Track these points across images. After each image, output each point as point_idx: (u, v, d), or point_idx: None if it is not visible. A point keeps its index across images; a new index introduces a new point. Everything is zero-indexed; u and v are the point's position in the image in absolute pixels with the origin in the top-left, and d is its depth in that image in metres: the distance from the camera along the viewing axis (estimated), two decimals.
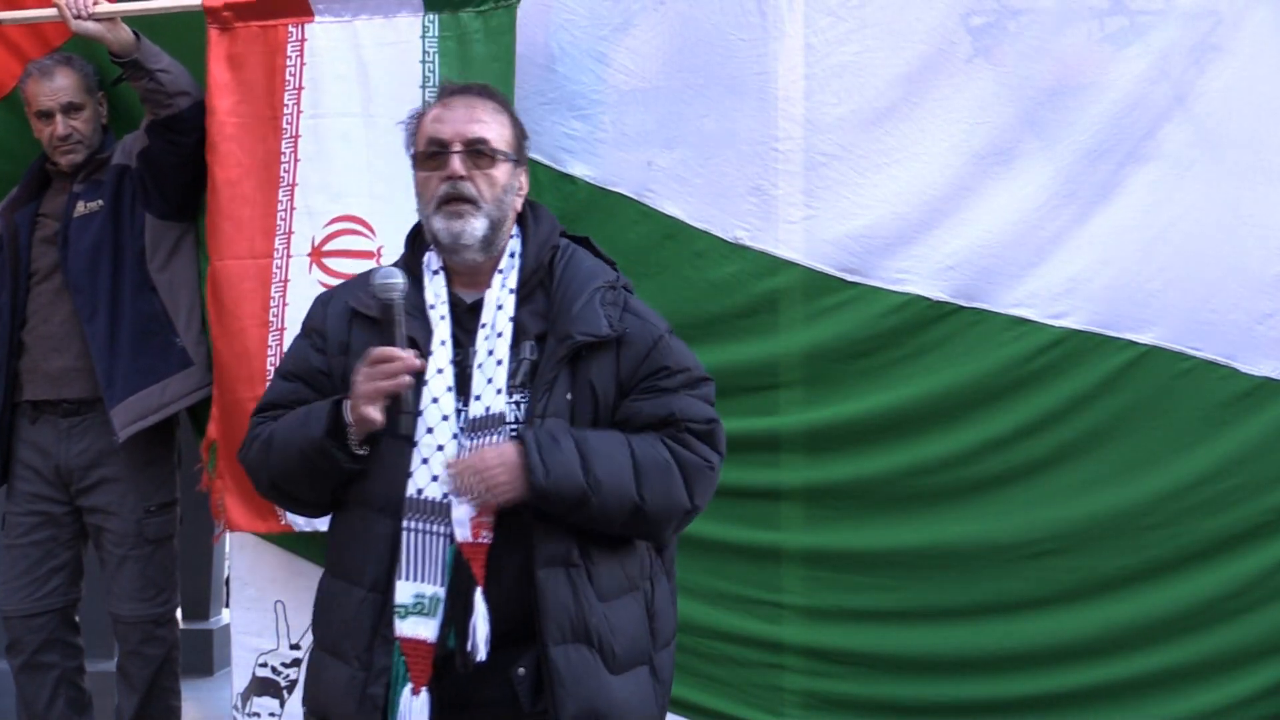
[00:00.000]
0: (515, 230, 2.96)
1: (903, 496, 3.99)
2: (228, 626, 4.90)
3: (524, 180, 2.98)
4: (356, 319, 2.92)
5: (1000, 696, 3.96)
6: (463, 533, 2.75)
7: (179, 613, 4.77)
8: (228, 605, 5.37)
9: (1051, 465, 3.96)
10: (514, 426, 2.81)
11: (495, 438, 2.78)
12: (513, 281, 2.89)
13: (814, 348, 4.01)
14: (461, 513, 2.76)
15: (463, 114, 2.91)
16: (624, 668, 2.84)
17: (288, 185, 4.08)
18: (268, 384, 3.99)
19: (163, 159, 4.22)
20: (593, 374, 2.84)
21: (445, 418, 2.80)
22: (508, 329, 2.84)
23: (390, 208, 3.92)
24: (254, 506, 4.12)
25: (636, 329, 2.88)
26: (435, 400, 2.80)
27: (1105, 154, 3.96)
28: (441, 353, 2.83)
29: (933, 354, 3.98)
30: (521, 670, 2.78)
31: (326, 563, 2.97)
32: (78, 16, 4.05)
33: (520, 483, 2.73)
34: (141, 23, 4.19)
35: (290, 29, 4.07)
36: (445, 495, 2.76)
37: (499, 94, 3.02)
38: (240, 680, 4.31)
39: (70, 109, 4.32)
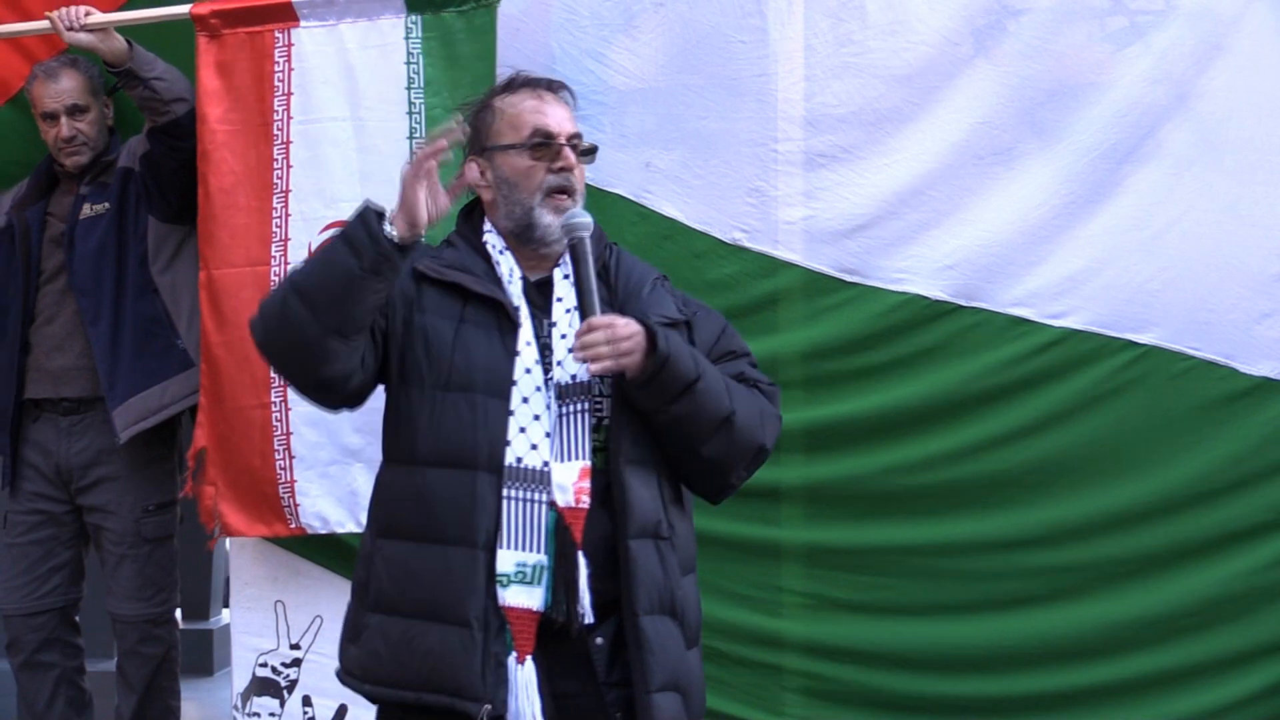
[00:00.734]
0: None
1: (902, 495, 3.98)
2: (228, 626, 4.90)
3: None
4: (425, 281, 2.93)
5: (999, 693, 3.96)
6: (565, 498, 2.78)
7: (179, 613, 4.77)
8: (228, 605, 5.38)
9: (1050, 465, 3.96)
10: (598, 399, 2.86)
11: (582, 403, 2.83)
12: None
13: (813, 347, 4.01)
14: (564, 478, 2.79)
15: (559, 108, 2.98)
16: (692, 643, 2.91)
17: (281, 191, 4.06)
18: (273, 389, 4.03)
19: (163, 164, 4.23)
20: None
21: (539, 388, 2.83)
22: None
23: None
24: (254, 510, 4.12)
25: (703, 315, 3.04)
26: (528, 371, 2.84)
27: (1105, 154, 3.96)
28: (528, 325, 2.87)
29: (932, 354, 3.98)
30: (600, 640, 2.81)
31: (391, 527, 2.88)
32: (70, 29, 4.06)
33: (644, 351, 2.78)
34: (136, 30, 4.19)
35: (277, 35, 4.06)
36: (579, 368, 2.81)
37: (569, 92, 3.06)
38: (240, 680, 4.31)
39: (75, 111, 4.33)
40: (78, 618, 4.56)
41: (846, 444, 4.02)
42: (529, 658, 2.78)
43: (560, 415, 2.83)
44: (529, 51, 4.04)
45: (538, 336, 2.87)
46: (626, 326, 2.79)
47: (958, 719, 3.97)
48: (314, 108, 4.05)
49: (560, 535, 2.79)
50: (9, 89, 4.45)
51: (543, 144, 2.93)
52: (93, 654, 4.75)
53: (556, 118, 2.96)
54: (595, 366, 2.77)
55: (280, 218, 4.06)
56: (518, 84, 3.03)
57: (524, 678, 2.77)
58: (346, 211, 3.94)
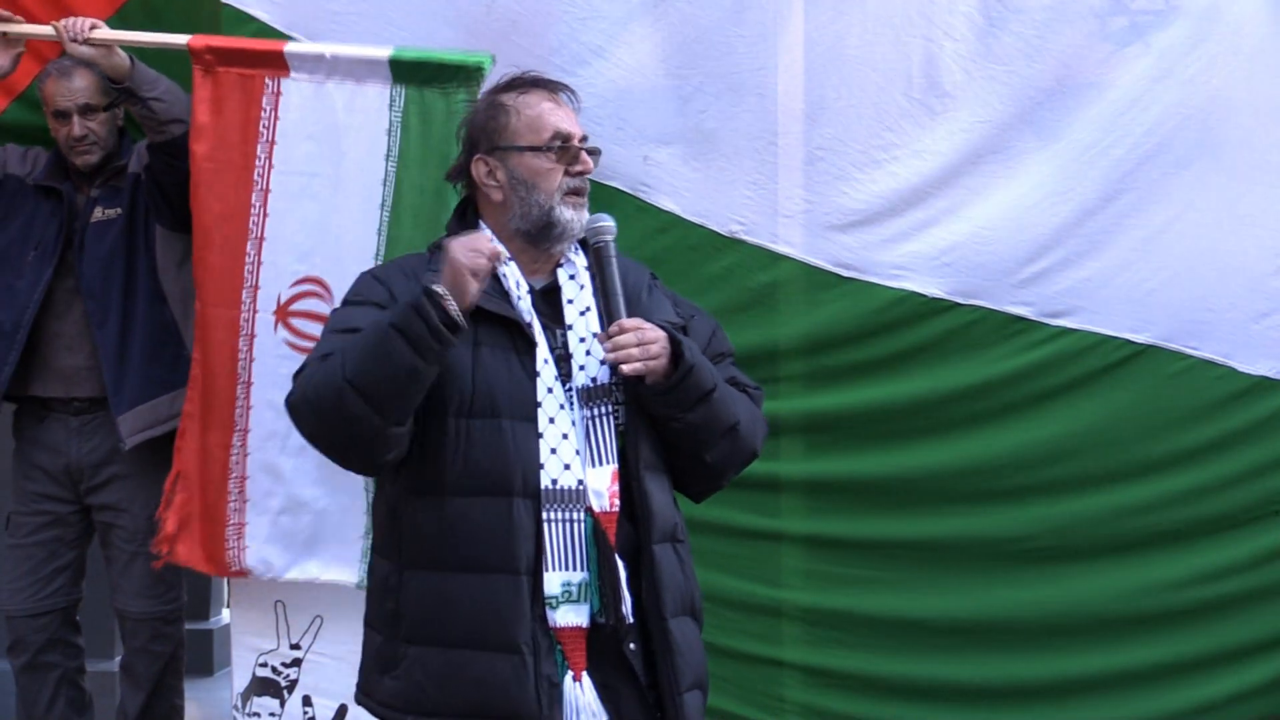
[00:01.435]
0: None
1: (900, 489, 4.00)
2: (228, 626, 4.90)
3: None
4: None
5: (998, 682, 3.98)
6: (601, 503, 2.79)
7: None
8: (228, 605, 5.38)
9: (1047, 463, 3.97)
10: (616, 403, 2.86)
11: (606, 405, 2.84)
12: (582, 262, 2.96)
13: (812, 341, 4.02)
14: (598, 483, 2.79)
15: (569, 110, 2.99)
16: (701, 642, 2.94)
17: (255, 239, 4.02)
18: (236, 431, 4.02)
19: (163, 178, 4.23)
20: None
21: (562, 406, 2.82)
22: (594, 304, 2.90)
23: (347, 270, 3.82)
24: (203, 543, 4.11)
25: (698, 316, 3.06)
26: (550, 390, 2.82)
27: (1104, 153, 3.97)
28: (543, 342, 2.85)
29: (929, 350, 3.99)
30: (633, 645, 2.81)
31: (422, 558, 2.83)
32: (74, 40, 4.06)
33: (668, 356, 2.80)
34: (140, 49, 4.20)
35: (267, 81, 4.02)
36: (602, 363, 2.82)
37: (571, 92, 3.05)
38: (240, 680, 4.29)
39: (87, 110, 4.31)
40: (79, 618, 4.57)
41: (846, 437, 4.03)
42: (584, 674, 2.78)
43: (587, 419, 2.83)
44: (527, 45, 4.03)
45: (552, 350, 2.86)
46: (653, 330, 2.80)
47: (955, 706, 3.98)
48: (295, 160, 4.02)
49: (600, 541, 2.79)
50: (15, 88, 4.46)
51: (563, 147, 2.93)
52: (92, 654, 4.75)
53: (571, 121, 2.97)
54: (626, 368, 2.78)
55: (253, 264, 4.02)
56: (527, 83, 3.01)
57: (583, 696, 2.78)
58: (317, 268, 3.99)
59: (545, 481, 2.78)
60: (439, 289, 2.68)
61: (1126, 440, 3.96)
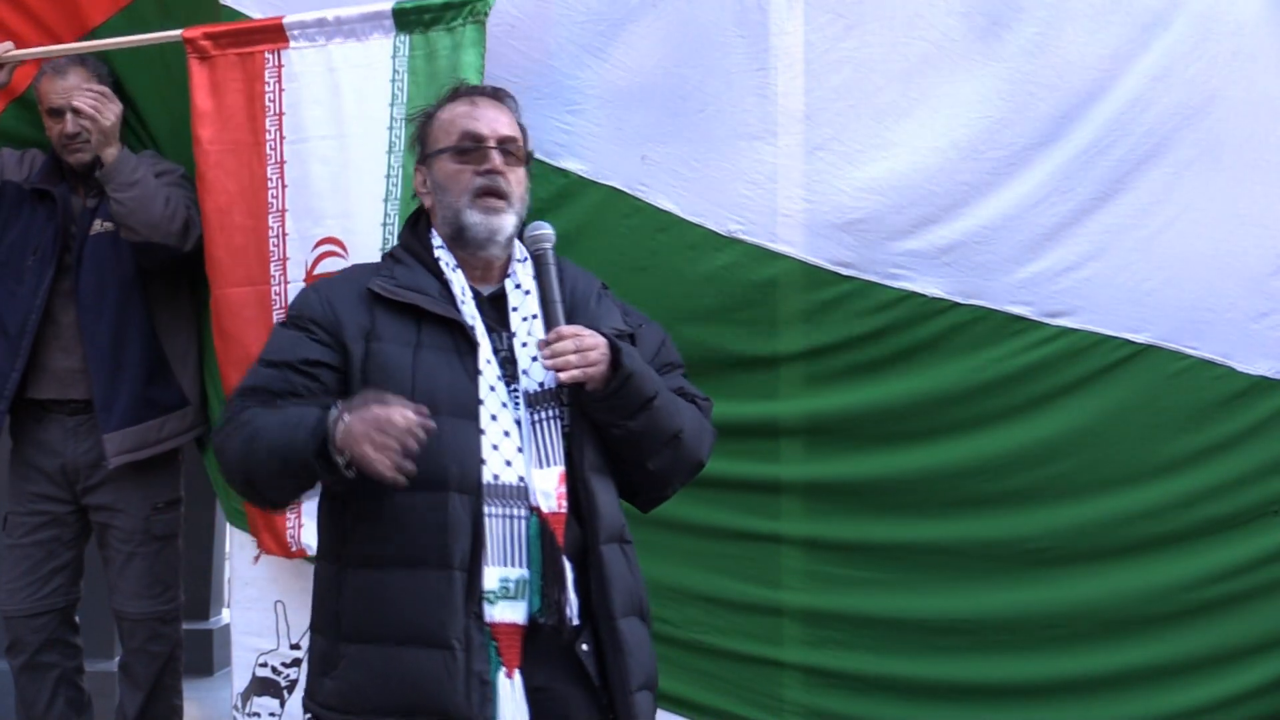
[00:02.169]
0: None
1: (901, 489, 3.99)
2: (228, 626, 4.90)
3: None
4: (379, 304, 2.90)
5: (997, 681, 3.97)
6: (549, 503, 2.80)
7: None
8: (228, 605, 5.38)
9: (1046, 463, 3.96)
10: (562, 405, 2.88)
11: (552, 409, 2.85)
12: (528, 272, 2.96)
13: (811, 341, 4.01)
14: (545, 484, 2.80)
15: (492, 113, 2.99)
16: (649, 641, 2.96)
17: (278, 211, 4.06)
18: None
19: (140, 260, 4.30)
20: None
21: (504, 404, 2.84)
22: (540, 313, 2.91)
23: (358, 224, 4.00)
24: (268, 529, 4.14)
25: (646, 326, 3.06)
26: (492, 389, 2.84)
27: (1103, 152, 3.96)
28: (486, 343, 2.87)
29: (928, 350, 3.98)
30: (585, 646, 2.82)
31: (360, 556, 2.85)
32: None
33: (608, 362, 2.81)
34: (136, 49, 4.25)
35: (267, 56, 4.06)
36: (546, 374, 2.84)
37: (512, 99, 3.08)
38: (240, 680, 4.31)
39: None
40: (77, 618, 4.57)
41: (846, 437, 4.02)
42: (516, 671, 2.79)
43: (533, 423, 2.85)
44: (525, 48, 4.04)
45: (496, 351, 2.88)
46: (593, 337, 2.82)
47: (956, 706, 3.98)
48: (304, 127, 4.05)
49: (545, 542, 2.80)
50: (14, 90, 4.46)
51: (470, 147, 2.95)
52: (91, 654, 4.75)
53: (488, 121, 2.97)
54: (564, 375, 2.80)
55: (278, 237, 4.06)
56: (460, 93, 3.07)
57: (514, 691, 2.78)
58: (333, 229, 4.02)
59: (487, 477, 2.80)
60: (338, 435, 2.67)
61: (1126, 440, 3.95)
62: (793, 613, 4.05)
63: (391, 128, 3.99)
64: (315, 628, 2.93)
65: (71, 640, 4.52)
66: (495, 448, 2.82)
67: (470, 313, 2.88)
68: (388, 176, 3.99)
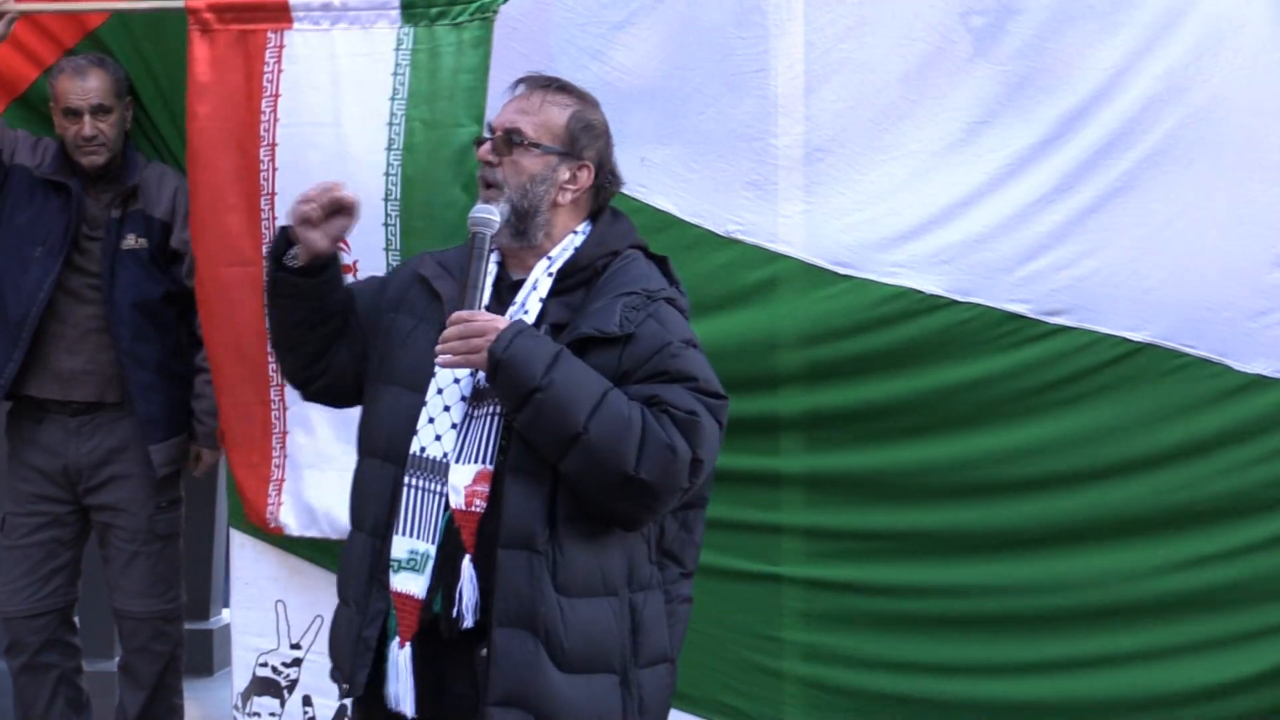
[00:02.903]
0: (586, 228, 3.00)
1: (899, 486, 4.01)
2: (228, 626, 4.90)
3: (581, 175, 2.98)
4: (419, 282, 3.00)
5: (995, 661, 4.01)
6: (456, 499, 2.79)
7: None
8: (228, 605, 5.38)
9: (1043, 460, 3.97)
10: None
11: (493, 406, 2.83)
12: (556, 268, 2.94)
13: (809, 339, 4.02)
14: (458, 480, 2.79)
15: (517, 104, 2.99)
16: (577, 668, 2.80)
17: (268, 194, 4.03)
18: (273, 387, 4.07)
19: None
20: (597, 366, 2.81)
21: (457, 380, 2.85)
22: (535, 309, 2.89)
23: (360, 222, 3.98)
24: (250, 505, 4.15)
25: (648, 332, 2.85)
26: None
27: (1102, 151, 3.97)
28: None
29: (926, 347, 3.99)
30: (484, 651, 2.79)
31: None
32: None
33: (486, 351, 2.77)
34: (132, 17, 4.25)
35: (269, 35, 4.02)
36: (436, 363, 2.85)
37: (570, 87, 3.06)
38: (240, 680, 4.31)
39: (99, 111, 4.30)
40: (76, 618, 4.57)
41: (845, 434, 4.04)
42: (409, 644, 2.81)
43: (468, 417, 2.84)
44: (526, 50, 4.04)
45: None
46: (487, 323, 2.77)
47: (951, 682, 4.01)
48: (299, 111, 4.01)
49: (449, 534, 2.81)
50: (15, 89, 4.45)
51: (483, 139, 3.00)
52: (92, 654, 4.76)
53: (504, 114, 2.99)
54: (439, 360, 2.80)
55: (269, 220, 4.03)
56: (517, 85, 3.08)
57: (401, 661, 2.81)
58: None
59: (414, 448, 2.84)
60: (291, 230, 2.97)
61: (1122, 437, 3.96)
62: (792, 597, 4.07)
63: (391, 123, 3.95)
64: None
65: (70, 640, 4.53)
66: (431, 420, 2.84)
67: (479, 298, 2.86)
68: (387, 175, 3.95)
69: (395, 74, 3.98)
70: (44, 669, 4.47)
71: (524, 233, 2.93)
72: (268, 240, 3.99)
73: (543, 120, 2.96)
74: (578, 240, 2.97)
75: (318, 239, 2.95)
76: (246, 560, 4.32)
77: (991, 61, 4.00)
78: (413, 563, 2.81)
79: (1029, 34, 3.99)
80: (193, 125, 4.07)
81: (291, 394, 3.92)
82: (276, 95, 4.02)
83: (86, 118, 4.29)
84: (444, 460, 2.81)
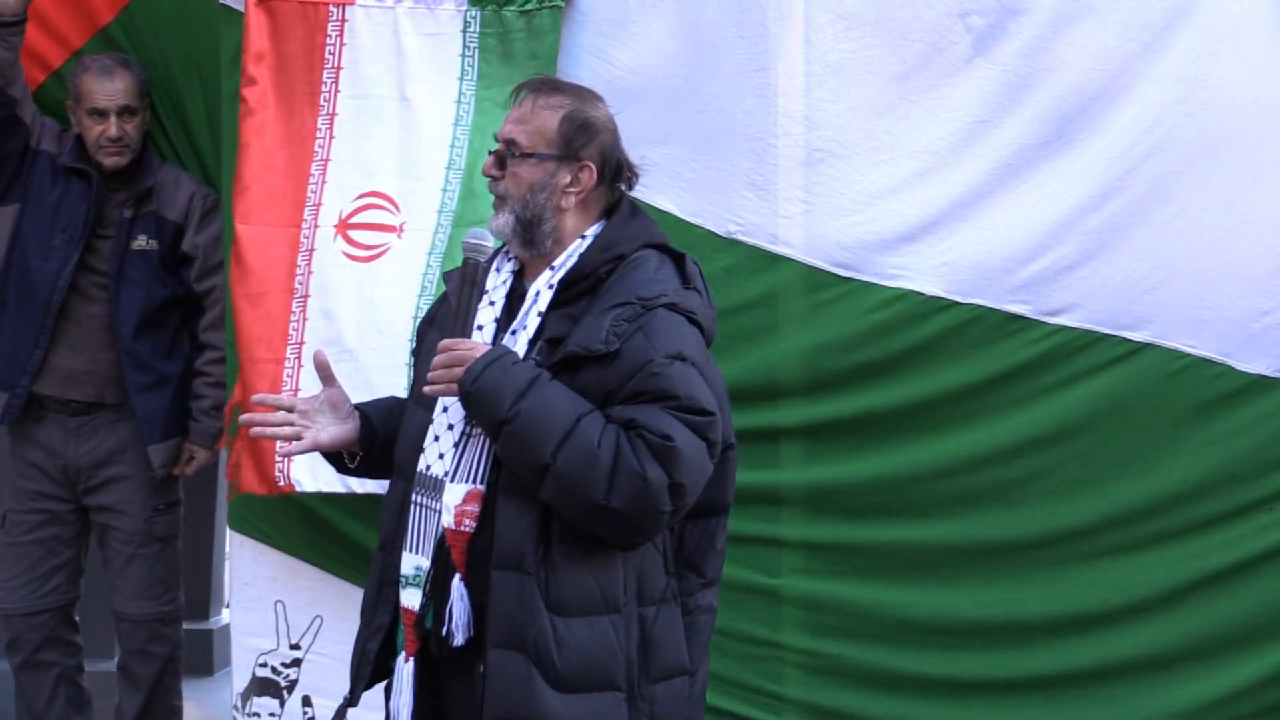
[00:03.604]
0: (596, 229, 2.94)
1: (900, 491, 4.00)
2: (228, 626, 4.91)
3: (583, 176, 2.92)
4: (446, 299, 3.02)
5: (997, 678, 4.00)
6: (447, 518, 2.79)
7: None
8: (228, 605, 5.38)
9: (1044, 461, 3.97)
10: None
11: None
12: (558, 279, 2.89)
13: (812, 343, 4.01)
14: (449, 499, 2.80)
15: (515, 113, 2.96)
16: (573, 687, 2.76)
17: (321, 160, 4.11)
18: (290, 345, 4.09)
19: None
20: (588, 383, 2.78)
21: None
22: (534, 325, 2.87)
23: (417, 186, 4.05)
24: (260, 466, 4.11)
25: (633, 348, 2.76)
26: None
27: (1103, 151, 3.97)
28: (478, 336, 2.88)
29: (927, 349, 3.98)
30: (482, 668, 2.77)
31: None
32: None
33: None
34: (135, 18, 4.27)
35: (332, 9, 4.08)
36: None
37: (564, 86, 3.03)
38: (240, 680, 4.31)
39: (125, 112, 4.31)
40: (77, 616, 4.57)
41: (845, 440, 4.03)
42: (413, 659, 2.83)
43: (466, 436, 2.83)
44: None
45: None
46: (466, 353, 2.76)
47: (959, 697, 4.00)
48: (362, 83, 4.09)
49: (441, 553, 2.81)
50: (49, 65, 4.44)
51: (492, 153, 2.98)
52: (91, 654, 4.75)
53: (504, 126, 2.96)
54: (425, 389, 2.82)
55: (317, 184, 4.10)
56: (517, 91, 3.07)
57: (405, 676, 2.83)
58: (380, 184, 4.10)
59: (420, 465, 2.86)
60: None
61: (1124, 438, 3.96)
62: (793, 607, 4.06)
63: (459, 101, 4.06)
64: None
65: (71, 639, 4.53)
66: (436, 439, 2.86)
67: (486, 303, 2.90)
68: (452, 146, 4.06)
69: (464, 55, 4.08)
70: (44, 667, 4.47)
71: (532, 242, 2.89)
72: (311, 204, 4.09)
73: (535, 127, 2.91)
74: (582, 247, 2.91)
75: (336, 434, 2.99)
76: (246, 560, 4.32)
77: (991, 61, 4.00)
78: (416, 579, 2.83)
79: (1029, 34, 3.98)
80: (246, 87, 4.09)
81: (307, 353, 4.01)
82: (339, 67, 4.10)
83: (113, 119, 4.29)
84: (443, 479, 2.82)
